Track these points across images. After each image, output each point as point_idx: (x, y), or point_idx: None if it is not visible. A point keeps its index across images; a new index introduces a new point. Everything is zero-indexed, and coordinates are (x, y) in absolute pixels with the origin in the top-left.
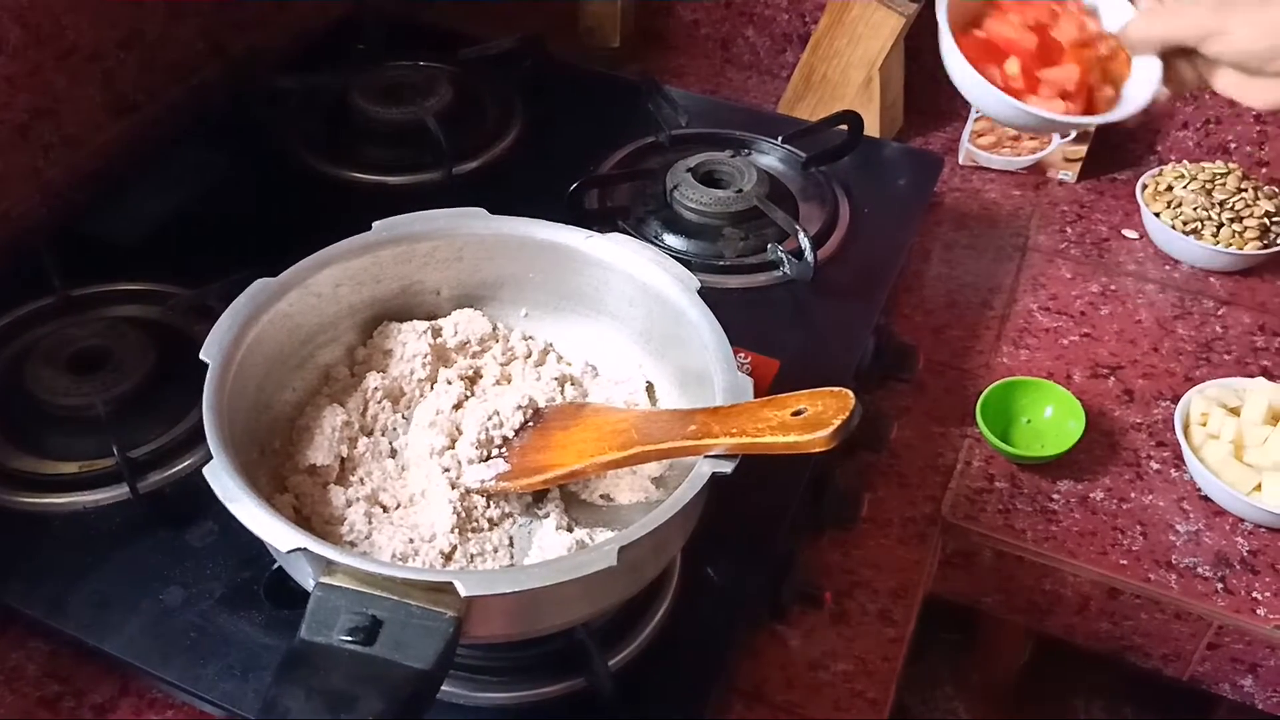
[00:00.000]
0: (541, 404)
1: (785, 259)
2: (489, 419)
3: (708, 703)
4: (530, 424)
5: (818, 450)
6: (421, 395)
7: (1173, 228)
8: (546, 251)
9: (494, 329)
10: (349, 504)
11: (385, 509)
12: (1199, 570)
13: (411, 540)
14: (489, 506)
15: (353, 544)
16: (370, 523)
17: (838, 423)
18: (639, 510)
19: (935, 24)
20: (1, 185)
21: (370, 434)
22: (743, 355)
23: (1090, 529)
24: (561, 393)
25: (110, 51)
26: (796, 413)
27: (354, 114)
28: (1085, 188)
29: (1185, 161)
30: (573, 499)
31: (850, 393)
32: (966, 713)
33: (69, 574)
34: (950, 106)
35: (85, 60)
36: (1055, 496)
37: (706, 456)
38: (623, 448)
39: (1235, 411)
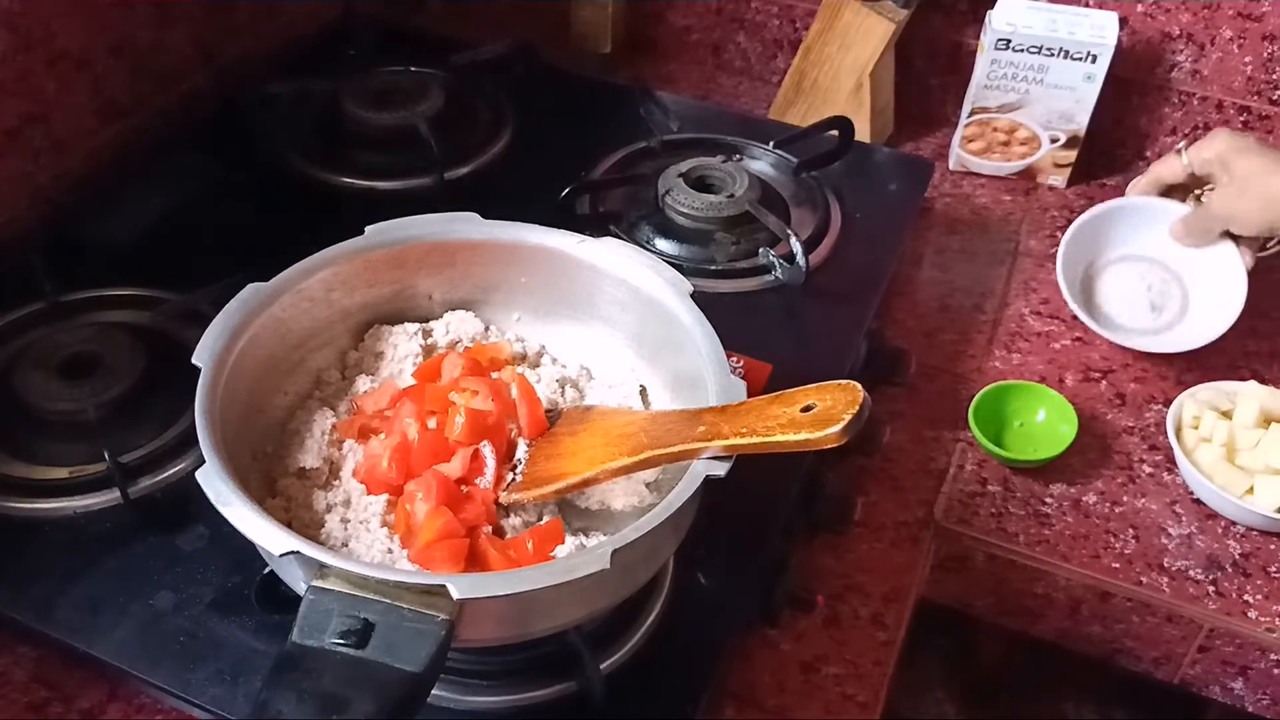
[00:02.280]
0: (545, 407)
1: (777, 263)
2: None
3: (699, 706)
4: None
5: (830, 446)
6: None
7: None
8: (539, 256)
9: (486, 329)
10: (329, 509)
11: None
12: (1191, 573)
13: (390, 550)
14: None
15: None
16: (346, 529)
17: (848, 418)
18: (632, 515)
19: (926, 29)
20: None
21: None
22: (735, 359)
23: (1083, 532)
24: (562, 394)
25: (100, 57)
26: (806, 409)
27: (345, 119)
28: (1075, 193)
29: None
30: (566, 503)
31: (858, 385)
32: (957, 715)
33: (58, 579)
34: (941, 112)
35: (75, 66)
36: (1048, 500)
37: (701, 458)
38: (633, 452)
39: (1227, 415)
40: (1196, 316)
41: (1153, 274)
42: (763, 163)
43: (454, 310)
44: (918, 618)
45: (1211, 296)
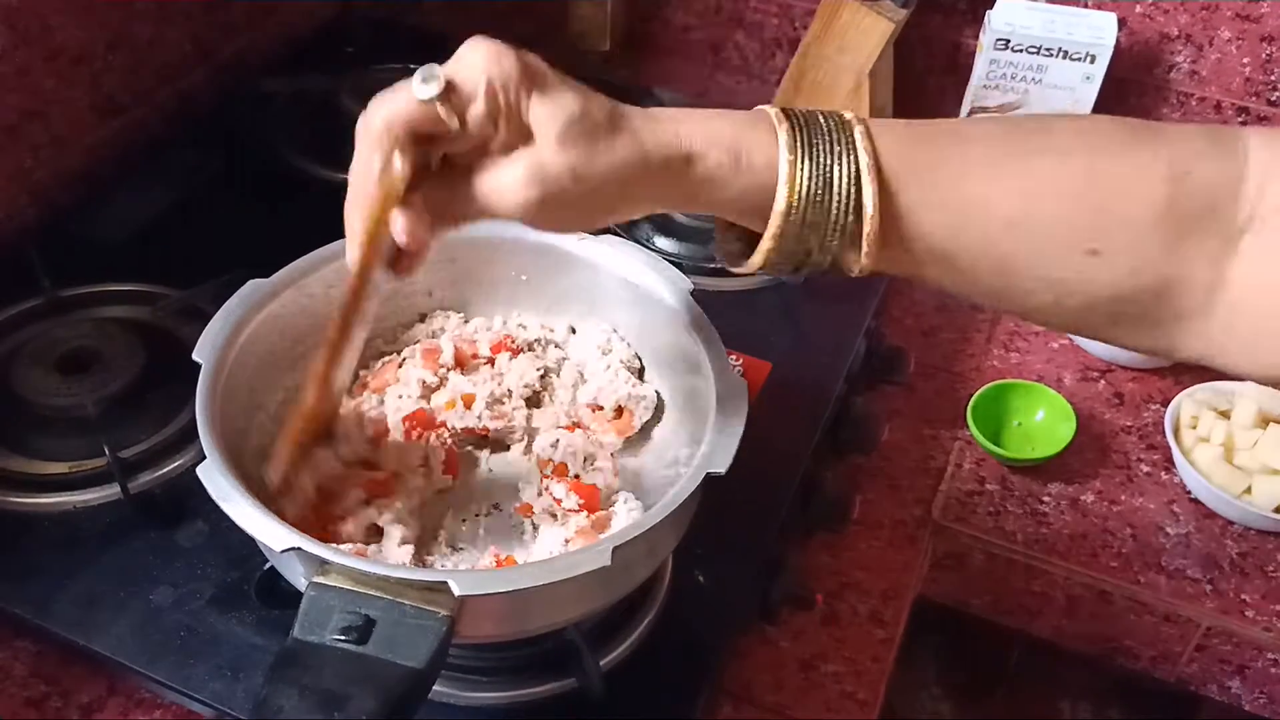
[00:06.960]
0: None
1: None
2: None
3: (697, 703)
4: None
5: None
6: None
7: None
8: (539, 253)
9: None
10: None
11: None
12: (1188, 572)
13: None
14: None
15: None
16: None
17: None
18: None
19: (925, 29)
20: None
21: None
22: (735, 357)
23: (1081, 531)
24: (544, 350)
25: (98, 53)
26: None
27: (344, 116)
28: None
29: None
30: None
31: None
32: (952, 714)
33: (58, 574)
34: (939, 112)
35: (73, 62)
36: (1046, 499)
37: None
38: None
39: (1225, 415)
40: None
41: None
42: None
43: (453, 309)
44: (913, 616)
45: None
